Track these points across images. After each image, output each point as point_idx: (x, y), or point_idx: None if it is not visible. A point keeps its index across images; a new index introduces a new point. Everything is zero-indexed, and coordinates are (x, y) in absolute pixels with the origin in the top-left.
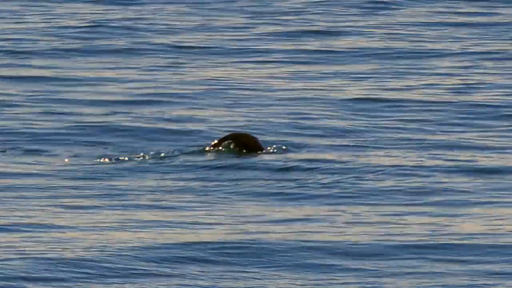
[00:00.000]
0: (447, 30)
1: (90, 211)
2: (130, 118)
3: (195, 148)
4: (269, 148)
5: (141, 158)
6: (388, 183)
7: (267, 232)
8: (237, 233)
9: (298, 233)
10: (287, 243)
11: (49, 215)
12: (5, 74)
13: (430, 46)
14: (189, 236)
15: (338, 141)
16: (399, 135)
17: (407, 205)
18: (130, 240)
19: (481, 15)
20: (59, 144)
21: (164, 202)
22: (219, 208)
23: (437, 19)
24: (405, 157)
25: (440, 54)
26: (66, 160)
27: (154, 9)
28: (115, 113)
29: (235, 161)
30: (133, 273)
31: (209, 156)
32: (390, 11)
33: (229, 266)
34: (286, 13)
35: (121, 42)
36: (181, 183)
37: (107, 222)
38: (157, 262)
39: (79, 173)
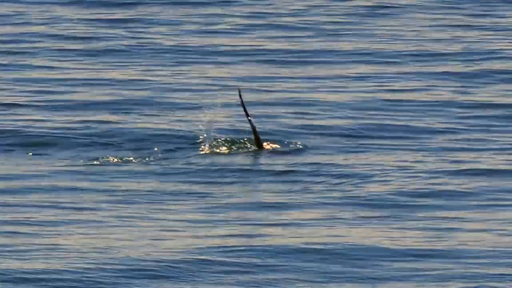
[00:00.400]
0: (448, 32)
1: (90, 213)
2: (131, 119)
3: (196, 150)
4: (269, 144)
5: (142, 159)
6: (391, 186)
7: (268, 235)
8: (238, 236)
9: (298, 236)
10: (286, 246)
11: (48, 217)
12: (6, 75)
13: (432, 47)
14: (189, 239)
15: (340, 143)
16: (403, 137)
17: (409, 208)
18: (130, 243)
19: (483, 17)
20: (59, 146)
21: (165, 205)
22: (221, 211)
23: (439, 21)
24: (408, 159)
25: (442, 55)
26: (66, 161)
27: (154, 10)
28: (116, 114)
29: (237, 163)
30: (134, 274)
31: (211, 158)
32: (391, 11)
33: (229, 267)
34: (288, 15)
35: (123, 43)
36: (183, 185)
37: (106, 225)
38: (157, 263)
39: (79, 175)
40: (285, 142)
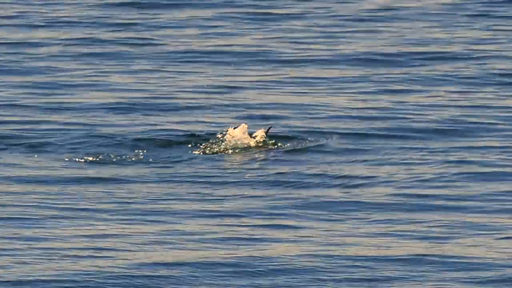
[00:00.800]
0: (448, 32)
1: (90, 214)
2: (131, 120)
3: (197, 150)
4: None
5: (142, 159)
6: (392, 187)
7: (268, 235)
8: (238, 237)
9: (298, 237)
10: (286, 246)
11: (47, 218)
12: (6, 77)
13: (433, 47)
14: (189, 240)
15: (342, 144)
16: (404, 137)
17: (410, 208)
18: (130, 244)
19: (483, 17)
20: (59, 146)
21: (165, 206)
22: (221, 212)
23: (439, 21)
24: (409, 160)
25: (443, 55)
26: (66, 162)
27: (156, 12)
28: (117, 115)
29: (238, 163)
30: (133, 275)
31: (211, 158)
32: (392, 13)
33: (229, 268)
34: (290, 16)
35: (124, 44)
36: (183, 186)
37: (106, 226)
38: (157, 263)
39: (79, 175)
40: (287, 143)
